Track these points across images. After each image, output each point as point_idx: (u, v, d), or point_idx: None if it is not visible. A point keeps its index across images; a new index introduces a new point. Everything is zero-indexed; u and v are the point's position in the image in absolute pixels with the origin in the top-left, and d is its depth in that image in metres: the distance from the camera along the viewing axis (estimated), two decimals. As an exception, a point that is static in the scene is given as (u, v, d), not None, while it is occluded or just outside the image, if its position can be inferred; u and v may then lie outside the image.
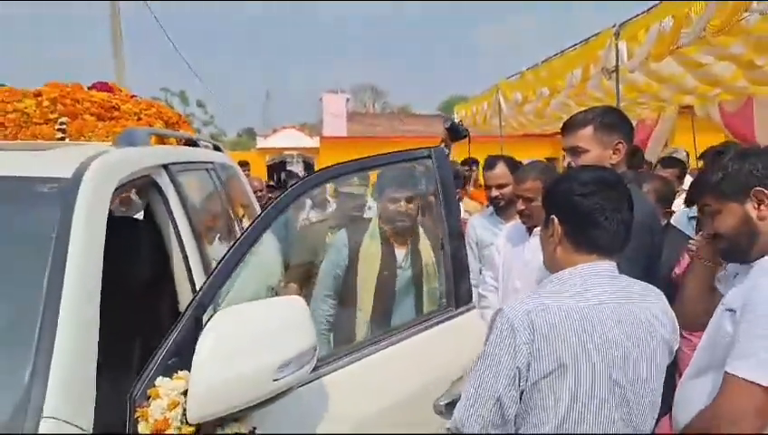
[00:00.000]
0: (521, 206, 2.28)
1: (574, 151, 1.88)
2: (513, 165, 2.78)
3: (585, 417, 1.19)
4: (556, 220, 1.32)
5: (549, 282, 1.32)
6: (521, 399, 1.21)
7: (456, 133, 4.17)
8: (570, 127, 1.92)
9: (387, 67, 76.33)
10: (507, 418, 1.21)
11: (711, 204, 1.38)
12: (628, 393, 1.22)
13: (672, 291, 2.24)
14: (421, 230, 2.26)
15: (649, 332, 1.26)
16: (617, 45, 4.82)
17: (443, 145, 4.53)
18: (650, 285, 1.36)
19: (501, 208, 2.79)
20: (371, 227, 2.28)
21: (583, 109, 2.05)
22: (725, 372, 1.22)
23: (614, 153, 1.83)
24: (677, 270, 2.26)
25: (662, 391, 1.31)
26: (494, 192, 2.79)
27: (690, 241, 2.24)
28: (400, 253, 2.24)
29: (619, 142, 1.83)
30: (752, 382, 1.17)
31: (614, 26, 4.88)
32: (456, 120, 3.52)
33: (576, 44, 5.93)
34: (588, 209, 1.28)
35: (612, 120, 1.87)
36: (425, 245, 2.24)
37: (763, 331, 1.18)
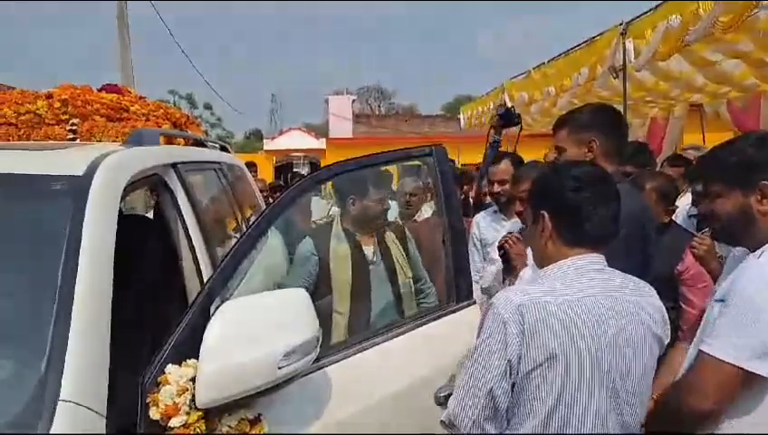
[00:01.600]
0: (519, 207, 2.32)
1: (558, 151, 1.99)
2: (519, 163, 2.82)
3: (574, 409, 1.23)
4: (546, 215, 1.36)
5: (540, 276, 1.36)
6: (512, 391, 1.26)
7: (508, 120, 4.16)
8: (554, 128, 2.03)
9: (392, 68, 76.55)
10: (499, 410, 1.25)
11: (715, 185, 1.39)
12: (617, 385, 1.26)
13: (674, 288, 2.29)
14: (388, 226, 2.33)
15: (639, 324, 1.30)
16: (624, 44, 4.82)
17: (492, 132, 4.49)
18: (640, 280, 1.40)
19: (504, 206, 2.82)
20: (335, 229, 2.29)
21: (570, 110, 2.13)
22: (698, 350, 1.31)
23: (588, 151, 1.89)
24: (680, 267, 2.29)
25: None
26: (496, 187, 2.83)
27: (694, 239, 2.28)
28: (368, 249, 2.27)
29: (592, 140, 1.89)
30: (718, 359, 1.25)
31: (621, 25, 4.89)
32: (509, 106, 3.54)
33: (582, 43, 5.95)
34: (579, 204, 1.32)
35: (586, 120, 1.94)
36: (390, 237, 2.31)
37: (737, 317, 1.25)
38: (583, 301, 1.27)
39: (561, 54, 6.47)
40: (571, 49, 6.17)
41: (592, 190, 1.33)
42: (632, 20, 4.81)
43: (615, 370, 1.26)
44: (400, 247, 2.30)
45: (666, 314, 1.38)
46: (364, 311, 2.15)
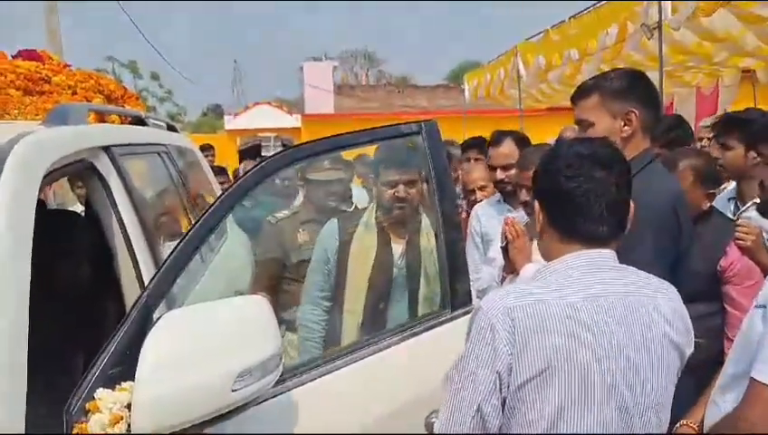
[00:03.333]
0: (525, 196, 2.34)
1: (581, 125, 1.95)
2: (524, 143, 2.84)
3: (576, 428, 1.25)
4: (537, 205, 1.40)
5: (539, 273, 1.40)
6: (503, 408, 1.28)
7: None
8: (575, 97, 1.98)
9: (382, 30, 76.39)
10: (489, 429, 1.27)
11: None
12: (627, 400, 1.28)
13: (711, 287, 2.33)
14: (424, 221, 2.32)
15: (654, 330, 1.32)
16: (659, -4, 4.86)
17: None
18: (661, 280, 1.42)
19: (508, 194, 2.83)
20: (366, 216, 2.37)
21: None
22: (750, 377, 1.30)
23: (625, 124, 1.87)
24: (723, 262, 2.33)
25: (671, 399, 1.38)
26: (500, 174, 2.84)
27: (739, 228, 2.30)
28: (398, 247, 2.32)
29: (631, 111, 1.86)
30: None
31: (656, -25, 4.92)
32: None
33: (610, -4, 5.99)
34: (570, 192, 1.34)
35: (622, 85, 1.91)
36: (427, 239, 2.28)
37: None
38: (586, 302, 1.29)
39: (584, 11, 6.51)
40: (597, 3, 6.21)
41: (589, 177, 1.34)
42: (669, -31, 4.84)
43: (624, 382, 1.28)
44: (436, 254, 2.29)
45: (688, 321, 1.40)
46: (374, 317, 2.21)
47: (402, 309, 2.24)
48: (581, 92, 1.97)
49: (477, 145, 3.74)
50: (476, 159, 3.62)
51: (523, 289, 1.34)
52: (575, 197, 1.34)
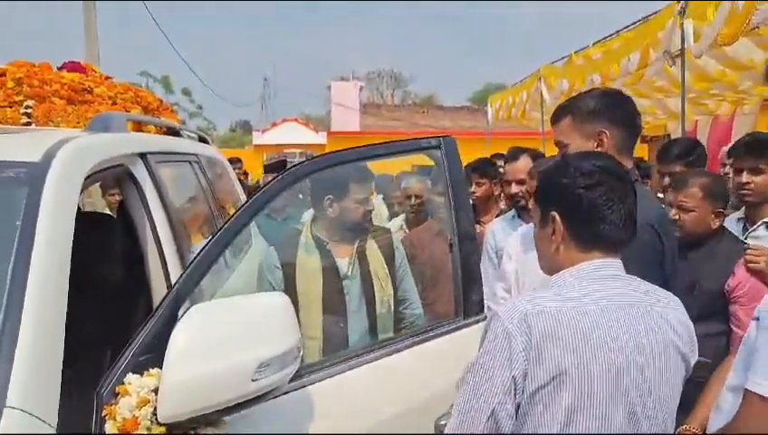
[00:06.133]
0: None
1: (558, 146, 2.00)
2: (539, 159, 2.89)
3: (587, 431, 1.28)
4: (558, 217, 1.43)
5: (550, 284, 1.43)
6: (516, 414, 1.31)
7: None
8: (552, 119, 2.03)
9: (410, 51, 76.97)
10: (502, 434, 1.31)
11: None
12: (636, 406, 1.32)
13: (723, 307, 2.33)
14: (370, 233, 2.36)
15: (662, 340, 1.36)
16: (682, 25, 4.88)
17: None
18: (667, 291, 1.46)
19: (523, 209, 2.89)
20: (303, 239, 2.32)
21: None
22: (744, 388, 1.34)
23: (597, 145, 1.89)
24: (731, 282, 2.34)
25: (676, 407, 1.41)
26: (515, 188, 2.90)
27: (748, 251, 2.33)
28: (343, 262, 2.31)
29: (602, 131, 1.89)
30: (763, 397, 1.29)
31: (679, 2, 4.94)
32: None
33: (634, 24, 6.03)
34: (594, 202, 1.39)
35: (593, 106, 1.93)
36: (371, 247, 2.33)
37: None
38: (600, 311, 1.33)
39: (607, 36, 6.56)
40: (621, 30, 6.26)
41: (608, 187, 1.39)
42: (692, -5, 4.85)
43: (634, 388, 1.32)
44: (383, 259, 2.31)
45: (693, 331, 1.44)
46: (339, 334, 2.20)
47: (362, 324, 2.24)
48: (556, 115, 2.01)
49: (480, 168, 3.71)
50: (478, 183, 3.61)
51: (540, 296, 1.37)
52: (599, 205, 1.38)
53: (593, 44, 6.90)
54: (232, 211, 3.13)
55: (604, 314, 1.33)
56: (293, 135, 19.93)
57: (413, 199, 3.37)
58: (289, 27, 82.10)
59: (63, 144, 1.65)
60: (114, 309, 2.11)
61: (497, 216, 3.41)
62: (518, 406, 1.31)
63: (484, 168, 3.66)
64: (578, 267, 1.40)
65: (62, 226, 1.47)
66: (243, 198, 3.72)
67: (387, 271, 2.30)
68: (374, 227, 2.44)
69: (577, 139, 1.92)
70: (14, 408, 1.15)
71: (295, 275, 2.24)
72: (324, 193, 2.29)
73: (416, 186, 3.38)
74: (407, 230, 3.33)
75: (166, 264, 2.00)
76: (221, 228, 1.59)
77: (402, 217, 3.62)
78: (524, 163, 2.89)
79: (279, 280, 2.24)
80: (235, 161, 6.63)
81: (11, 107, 2.47)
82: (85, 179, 1.67)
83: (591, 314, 1.32)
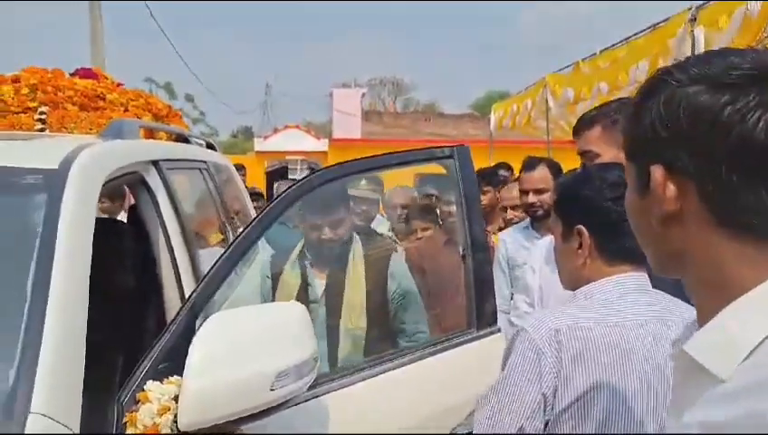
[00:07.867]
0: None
1: (585, 156, 1.99)
2: (557, 170, 2.90)
3: None
4: (585, 231, 1.40)
5: (576, 298, 1.41)
6: (544, 430, 1.29)
7: None
8: (577, 128, 2.02)
9: (412, 57, 77.25)
10: None
11: None
12: (666, 421, 1.32)
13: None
14: (355, 256, 2.31)
15: None
16: (692, 33, 4.87)
17: None
18: (688, 305, 1.46)
19: (538, 219, 2.87)
20: (293, 255, 2.34)
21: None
22: None
23: None
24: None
25: None
26: (531, 198, 2.87)
27: None
28: (320, 284, 2.30)
29: None
30: None
31: (690, 9, 4.94)
32: None
33: (643, 31, 6.04)
34: (623, 215, 1.39)
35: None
36: (355, 274, 2.28)
37: None
38: (630, 325, 1.31)
39: (615, 44, 6.58)
40: (629, 38, 6.27)
41: None
42: (703, 4, 4.84)
43: (665, 405, 1.29)
44: (365, 289, 2.26)
45: None
46: None
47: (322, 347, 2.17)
48: (583, 124, 2.01)
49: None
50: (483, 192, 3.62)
51: (569, 312, 1.35)
52: (624, 219, 1.38)
53: (600, 52, 6.91)
54: (239, 217, 3.17)
55: (634, 329, 1.32)
56: (295, 142, 19.95)
57: (399, 210, 3.38)
58: (291, 34, 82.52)
59: (81, 151, 1.68)
60: (127, 314, 2.14)
61: (504, 225, 3.43)
62: (546, 423, 1.30)
63: (489, 175, 3.68)
64: (606, 281, 1.38)
65: (81, 232, 1.50)
66: (249, 203, 3.78)
67: (364, 303, 2.24)
68: (368, 253, 2.37)
69: (611, 148, 1.88)
70: (38, 414, 1.17)
71: (277, 289, 2.26)
72: (316, 212, 2.27)
73: (403, 196, 3.39)
74: (395, 238, 3.28)
75: (178, 270, 2.03)
76: (237, 237, 1.62)
77: (388, 224, 3.61)
78: (542, 173, 2.88)
79: (267, 290, 2.26)
80: (239, 168, 6.64)
81: (25, 113, 2.51)
82: (103, 186, 1.70)
83: (622, 329, 1.31)
